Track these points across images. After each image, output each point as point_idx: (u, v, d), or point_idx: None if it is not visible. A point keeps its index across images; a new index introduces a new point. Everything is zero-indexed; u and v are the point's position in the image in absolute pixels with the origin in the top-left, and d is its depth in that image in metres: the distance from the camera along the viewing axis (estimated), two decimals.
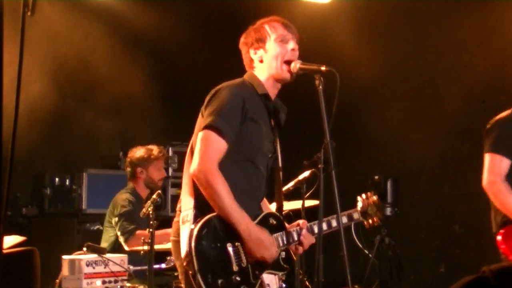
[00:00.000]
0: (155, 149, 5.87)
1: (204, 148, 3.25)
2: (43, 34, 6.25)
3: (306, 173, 3.78)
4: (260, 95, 3.46)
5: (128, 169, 5.90)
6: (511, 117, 4.63)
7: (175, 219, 3.40)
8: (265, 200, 3.64)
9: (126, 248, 5.45)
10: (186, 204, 3.31)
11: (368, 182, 6.53)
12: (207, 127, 3.27)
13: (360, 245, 6.52)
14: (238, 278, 3.26)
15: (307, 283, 5.06)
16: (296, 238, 3.49)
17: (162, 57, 7.36)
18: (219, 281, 3.19)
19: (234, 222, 3.23)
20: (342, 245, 3.20)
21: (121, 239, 5.54)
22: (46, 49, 6.37)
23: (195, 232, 3.17)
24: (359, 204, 3.88)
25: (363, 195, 3.93)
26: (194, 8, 7.38)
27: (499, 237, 4.45)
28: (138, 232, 5.43)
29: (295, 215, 4.10)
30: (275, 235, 3.42)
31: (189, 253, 3.16)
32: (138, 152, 5.86)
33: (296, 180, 3.85)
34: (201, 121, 3.37)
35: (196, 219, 3.22)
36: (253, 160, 3.40)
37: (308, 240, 3.51)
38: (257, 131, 3.39)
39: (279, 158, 3.58)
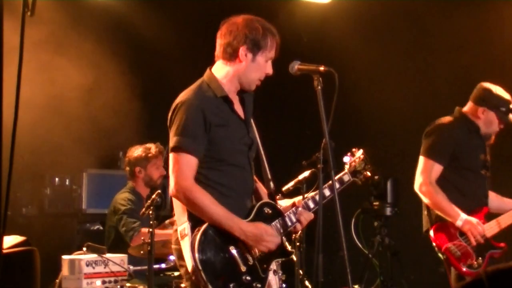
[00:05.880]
0: (153, 147, 5.79)
1: (176, 169, 3.31)
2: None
3: (306, 173, 3.77)
4: (219, 97, 3.41)
5: (127, 168, 5.84)
6: (451, 126, 4.84)
7: (174, 227, 3.43)
8: (258, 182, 3.63)
9: (131, 244, 5.39)
10: (180, 218, 3.34)
11: (368, 182, 6.52)
12: (173, 149, 3.33)
13: (360, 245, 6.52)
14: (248, 278, 3.29)
15: (307, 283, 5.06)
16: (294, 220, 3.50)
17: (163, 56, 7.35)
18: (231, 285, 3.23)
19: (226, 228, 3.27)
20: (342, 245, 3.20)
21: (127, 238, 5.47)
22: (44, 51, 6.36)
23: (196, 245, 3.21)
24: (347, 166, 3.82)
25: (349, 154, 3.89)
26: (195, 6, 7.38)
27: (431, 232, 4.81)
28: (142, 230, 5.35)
29: None
30: (273, 223, 3.44)
31: (195, 267, 3.19)
32: (136, 151, 5.78)
33: (296, 180, 3.85)
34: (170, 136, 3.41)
35: (193, 231, 3.26)
36: (233, 162, 3.40)
37: (306, 217, 3.50)
38: (226, 134, 3.38)
39: (259, 145, 3.58)
